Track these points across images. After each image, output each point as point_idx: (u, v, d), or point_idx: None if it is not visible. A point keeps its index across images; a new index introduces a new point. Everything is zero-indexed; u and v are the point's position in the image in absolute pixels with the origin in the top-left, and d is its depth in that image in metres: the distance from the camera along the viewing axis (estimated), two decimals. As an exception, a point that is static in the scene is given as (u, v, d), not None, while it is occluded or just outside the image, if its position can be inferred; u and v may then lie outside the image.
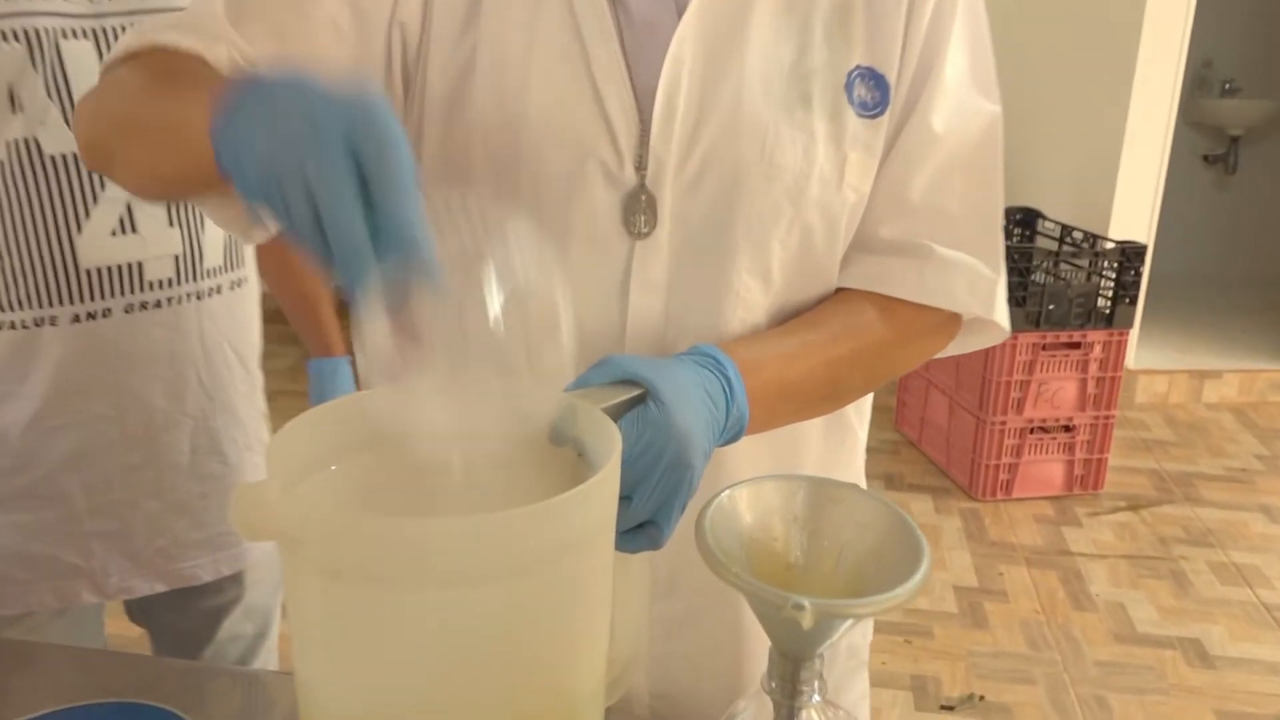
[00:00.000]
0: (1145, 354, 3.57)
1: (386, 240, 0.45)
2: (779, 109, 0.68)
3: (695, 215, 0.69)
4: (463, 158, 0.69)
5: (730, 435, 0.64)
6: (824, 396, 0.73)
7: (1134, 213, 3.32)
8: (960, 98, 0.72)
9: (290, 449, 0.51)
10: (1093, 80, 3.31)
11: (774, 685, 0.55)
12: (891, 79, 0.70)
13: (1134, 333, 2.90)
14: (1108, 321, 2.83)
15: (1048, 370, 2.81)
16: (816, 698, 0.55)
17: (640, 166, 0.68)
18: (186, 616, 1.13)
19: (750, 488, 0.57)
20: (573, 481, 0.59)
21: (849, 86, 0.69)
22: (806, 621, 0.48)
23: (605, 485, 0.51)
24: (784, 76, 0.68)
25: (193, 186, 0.62)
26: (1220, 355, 3.74)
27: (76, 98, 0.93)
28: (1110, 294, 2.84)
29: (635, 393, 0.59)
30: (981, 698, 2.07)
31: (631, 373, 0.59)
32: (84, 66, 0.94)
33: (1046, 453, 2.88)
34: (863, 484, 0.83)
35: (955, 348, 0.79)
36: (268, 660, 1.22)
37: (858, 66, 0.69)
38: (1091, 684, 2.12)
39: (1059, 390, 2.84)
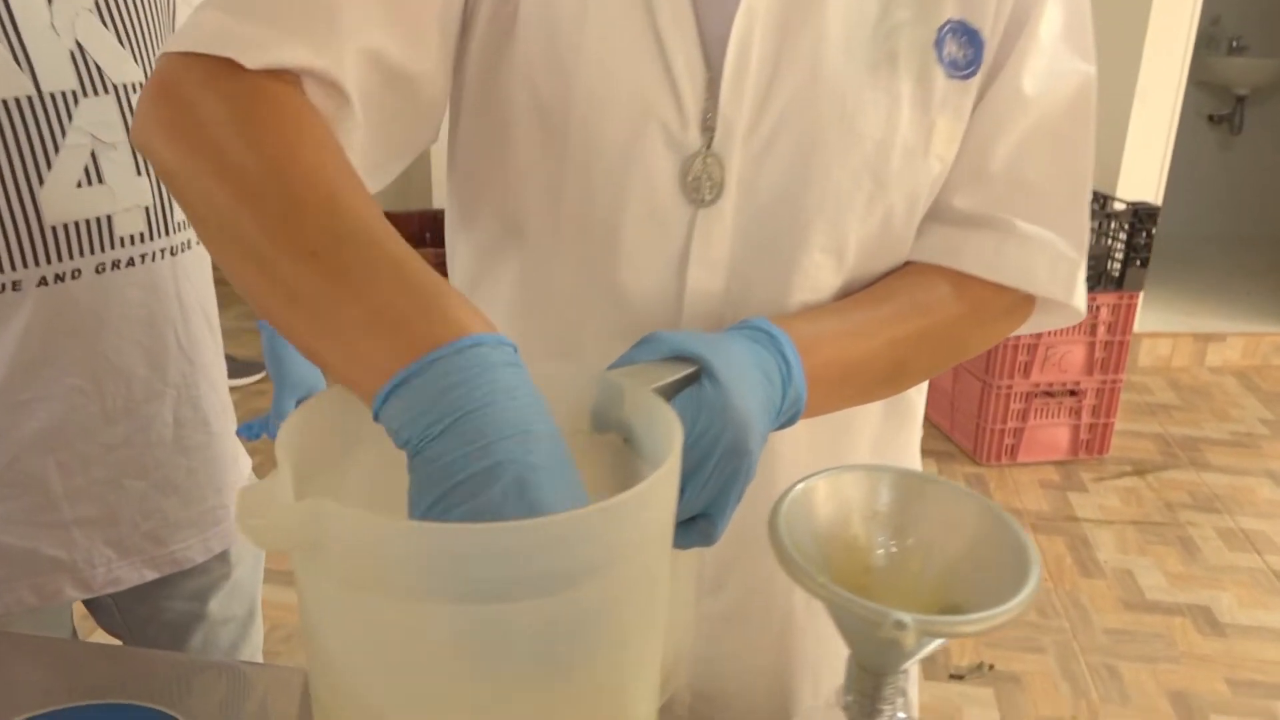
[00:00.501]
0: (1148, 316, 3.52)
1: None
2: (861, 68, 0.60)
3: (765, 184, 0.61)
4: (505, 116, 0.61)
5: (786, 418, 0.56)
6: (886, 378, 0.65)
7: (1142, 173, 3.25)
8: (1054, 56, 0.64)
9: (302, 439, 0.43)
10: (1103, 37, 3.20)
11: (851, 699, 0.49)
12: (985, 34, 0.62)
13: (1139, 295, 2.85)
14: (1117, 284, 2.77)
15: (1055, 333, 2.75)
16: (901, 715, 0.48)
17: (706, 127, 0.60)
18: (172, 602, 1.05)
19: (827, 480, 0.50)
20: (618, 472, 0.52)
21: (939, 43, 0.61)
22: (909, 641, 0.41)
23: (667, 481, 0.43)
24: (868, 32, 0.60)
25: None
26: (1224, 318, 3.69)
27: (26, 36, 0.83)
28: (1121, 256, 2.77)
29: (687, 371, 0.51)
30: (991, 667, 2.04)
31: (682, 349, 0.52)
32: (29, 1, 0.84)
33: (1052, 417, 2.83)
34: (919, 467, 0.76)
35: (1026, 328, 0.72)
36: (255, 645, 1.15)
37: (949, 20, 0.61)
38: (1101, 652, 2.09)
39: (1066, 354, 2.79)
